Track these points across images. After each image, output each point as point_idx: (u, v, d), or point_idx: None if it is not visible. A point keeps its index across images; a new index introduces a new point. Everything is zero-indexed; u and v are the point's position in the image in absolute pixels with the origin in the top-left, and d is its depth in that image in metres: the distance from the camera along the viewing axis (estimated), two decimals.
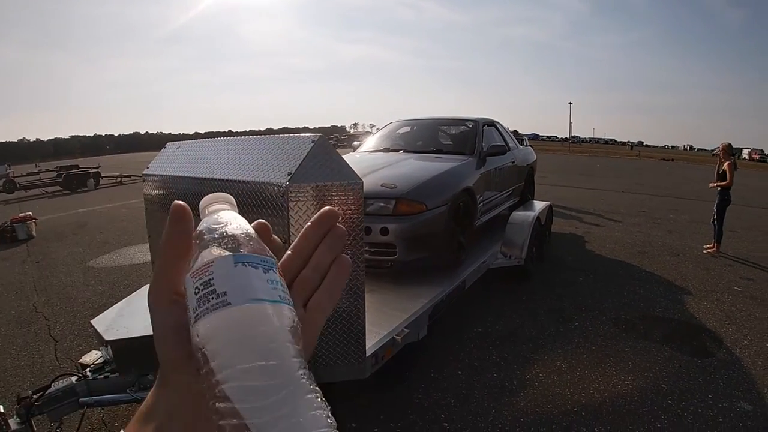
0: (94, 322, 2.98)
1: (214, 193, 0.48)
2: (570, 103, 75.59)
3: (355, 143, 7.58)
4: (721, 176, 8.02)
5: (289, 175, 2.40)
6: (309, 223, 0.48)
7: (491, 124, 6.84)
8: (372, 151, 6.09)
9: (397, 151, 5.88)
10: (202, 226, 0.42)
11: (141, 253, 7.50)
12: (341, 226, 0.49)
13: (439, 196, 4.32)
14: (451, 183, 4.67)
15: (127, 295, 3.48)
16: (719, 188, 8.05)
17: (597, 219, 11.14)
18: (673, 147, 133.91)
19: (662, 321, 5.17)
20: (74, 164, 22.76)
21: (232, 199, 0.48)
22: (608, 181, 21.73)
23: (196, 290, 0.37)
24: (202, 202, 0.47)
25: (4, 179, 19.31)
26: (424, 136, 6.48)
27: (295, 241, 0.49)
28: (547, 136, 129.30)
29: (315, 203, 2.43)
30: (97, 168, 20.15)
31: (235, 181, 2.82)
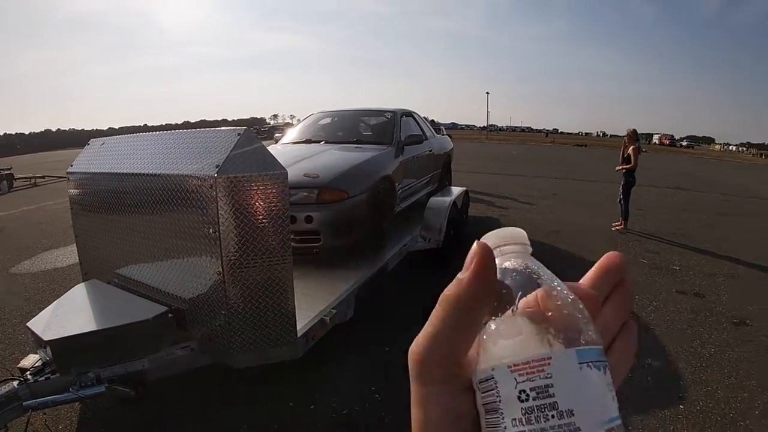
0: (30, 324, 2.96)
1: (506, 229, 0.37)
2: (487, 93, 77.92)
3: (277, 135, 7.74)
4: (627, 159, 8.73)
5: (217, 167, 2.58)
6: (593, 270, 0.39)
7: (409, 114, 7.15)
8: (294, 143, 6.27)
9: (319, 142, 6.09)
10: (509, 281, 0.34)
11: (64, 257, 7.34)
12: (629, 280, 0.39)
13: (359, 185, 4.58)
14: (370, 171, 4.95)
15: (57, 298, 3.49)
16: (624, 170, 8.76)
17: (512, 203, 11.72)
18: (587, 134, 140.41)
19: None
20: None
21: (526, 236, 0.37)
22: (524, 166, 22.68)
23: (522, 395, 0.29)
24: (490, 239, 0.36)
25: None
26: (345, 127, 6.70)
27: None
28: (466, 125, 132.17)
29: (243, 194, 2.62)
30: (9, 169, 19.08)
31: (161, 175, 2.95)
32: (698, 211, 11.61)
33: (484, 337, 0.32)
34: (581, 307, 0.33)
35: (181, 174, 2.79)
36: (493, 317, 0.32)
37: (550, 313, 0.31)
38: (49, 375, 2.77)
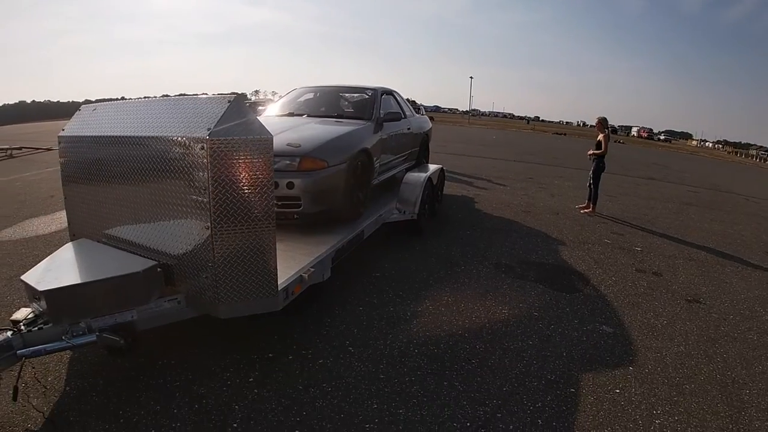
0: (24, 277, 3.03)
1: None
2: (471, 78, 77.52)
3: (260, 108, 7.90)
4: (597, 146, 9.09)
5: (208, 130, 2.77)
6: None
7: (389, 93, 7.39)
8: (277, 116, 6.45)
9: (301, 115, 6.29)
10: None
11: (45, 224, 7.38)
12: None
13: (339, 155, 4.81)
14: (350, 144, 5.17)
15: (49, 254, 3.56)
16: (595, 156, 9.11)
17: (487, 184, 12.01)
18: (567, 123, 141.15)
19: (537, 265, 5.94)
20: None
21: None
22: (502, 150, 22.99)
23: None
24: None
25: None
26: (326, 102, 6.90)
27: None
28: (449, 109, 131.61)
29: (232, 157, 2.82)
30: None
31: (155, 137, 3.12)
32: (666, 200, 12.03)
33: None
34: None
35: (173, 136, 2.95)
36: None
37: None
38: (42, 325, 2.86)
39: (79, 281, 2.95)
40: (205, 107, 2.99)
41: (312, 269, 3.73)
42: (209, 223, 2.88)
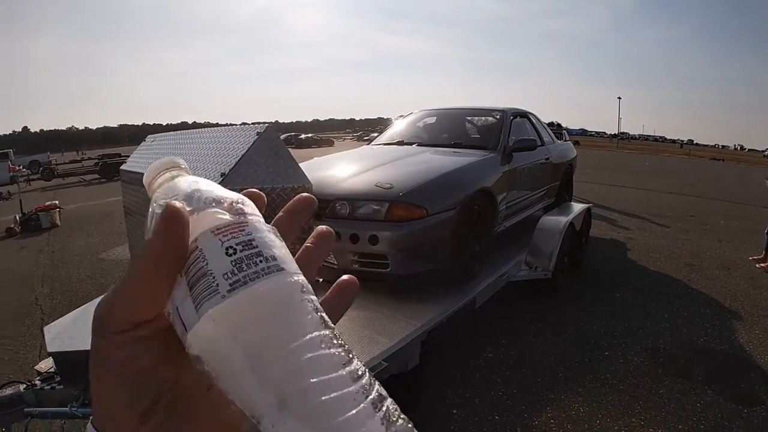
0: (46, 328, 2.83)
1: (163, 160, 0.41)
2: (619, 98, 73.12)
3: (373, 135, 7.13)
4: None
5: (222, 176, 1.89)
6: (282, 213, 0.42)
7: (523, 115, 6.20)
8: (385, 144, 5.58)
9: (412, 144, 5.33)
10: (187, 192, 0.35)
11: None
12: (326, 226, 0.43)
13: (445, 199, 3.72)
14: (463, 183, 4.05)
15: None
16: None
17: (642, 223, 10.29)
18: (723, 146, 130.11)
19: (706, 353, 4.41)
20: (116, 152, 23.35)
21: (179, 161, 0.41)
22: (656, 180, 20.59)
23: (230, 251, 0.30)
24: (150, 176, 0.40)
25: (43, 167, 20.21)
26: (446, 128, 5.88)
27: None
28: (596, 132, 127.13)
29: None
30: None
31: None
32: None
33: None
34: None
35: None
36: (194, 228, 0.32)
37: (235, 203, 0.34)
38: (55, 385, 2.63)
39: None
40: (232, 142, 2.14)
41: (385, 363, 2.65)
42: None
